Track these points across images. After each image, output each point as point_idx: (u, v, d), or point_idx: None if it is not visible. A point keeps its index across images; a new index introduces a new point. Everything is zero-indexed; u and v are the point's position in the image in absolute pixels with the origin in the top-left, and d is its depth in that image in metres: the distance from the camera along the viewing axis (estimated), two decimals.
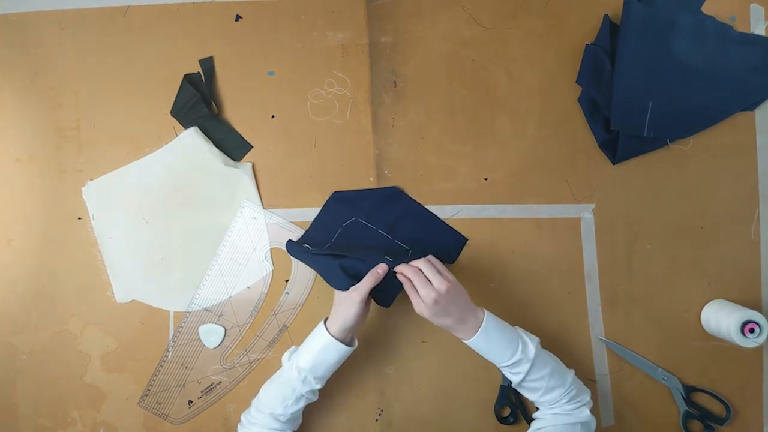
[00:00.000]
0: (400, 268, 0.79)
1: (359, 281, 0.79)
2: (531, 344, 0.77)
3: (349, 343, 0.81)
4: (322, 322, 0.81)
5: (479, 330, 0.76)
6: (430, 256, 0.80)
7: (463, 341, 0.78)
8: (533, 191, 0.92)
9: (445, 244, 0.91)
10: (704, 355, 0.91)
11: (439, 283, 0.75)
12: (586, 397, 0.80)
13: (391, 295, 0.84)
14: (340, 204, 0.91)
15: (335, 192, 0.92)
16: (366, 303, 0.79)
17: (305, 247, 0.88)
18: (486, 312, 0.78)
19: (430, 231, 0.91)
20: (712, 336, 0.90)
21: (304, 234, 0.91)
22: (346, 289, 0.80)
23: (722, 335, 0.86)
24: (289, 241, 0.89)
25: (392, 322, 0.91)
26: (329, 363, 0.80)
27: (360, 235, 0.91)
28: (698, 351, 0.91)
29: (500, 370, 0.80)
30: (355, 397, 0.91)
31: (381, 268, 0.80)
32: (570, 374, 0.80)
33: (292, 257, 0.90)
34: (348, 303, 0.79)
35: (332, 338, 0.79)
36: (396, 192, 0.91)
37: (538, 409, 0.82)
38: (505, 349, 0.77)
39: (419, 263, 0.78)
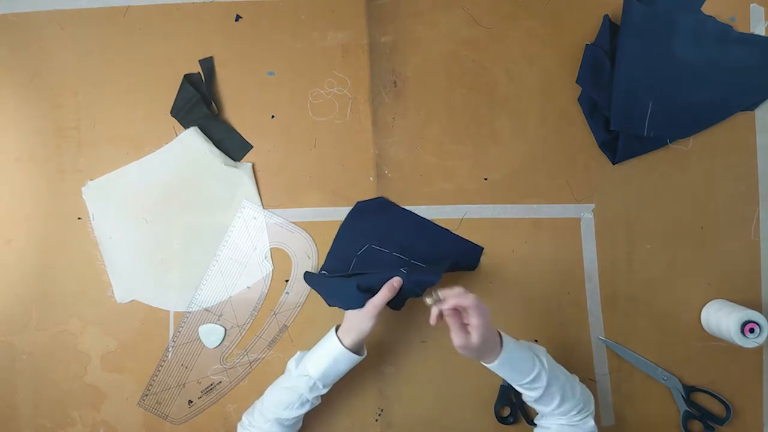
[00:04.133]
0: (443, 307, 0.73)
1: (373, 295, 0.79)
2: (543, 356, 0.77)
3: (359, 352, 0.81)
4: (333, 331, 0.81)
5: (501, 354, 0.74)
6: (470, 295, 0.72)
7: (486, 365, 0.76)
8: (533, 191, 0.92)
9: (461, 256, 0.90)
10: (704, 355, 0.91)
11: (474, 334, 0.71)
12: (591, 405, 0.80)
13: (403, 300, 0.84)
14: (351, 233, 0.91)
15: (357, 203, 0.91)
16: (379, 315, 0.79)
17: (323, 273, 0.89)
18: (503, 335, 0.76)
19: (444, 245, 0.91)
20: (712, 336, 0.90)
21: (322, 267, 0.91)
22: (362, 306, 0.78)
23: (722, 335, 0.86)
24: (307, 273, 0.89)
25: (392, 322, 0.91)
26: (340, 371, 0.80)
27: (375, 260, 0.90)
28: (698, 351, 0.91)
29: (518, 388, 0.78)
30: (355, 397, 0.91)
31: (396, 282, 0.79)
32: (577, 384, 0.79)
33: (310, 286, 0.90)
34: (363, 317, 0.78)
35: (346, 350, 0.79)
36: (405, 212, 0.91)
37: (538, 413, 0.81)
38: (525, 366, 0.75)
39: (468, 300, 0.71)
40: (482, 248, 0.91)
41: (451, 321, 0.73)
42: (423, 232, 0.91)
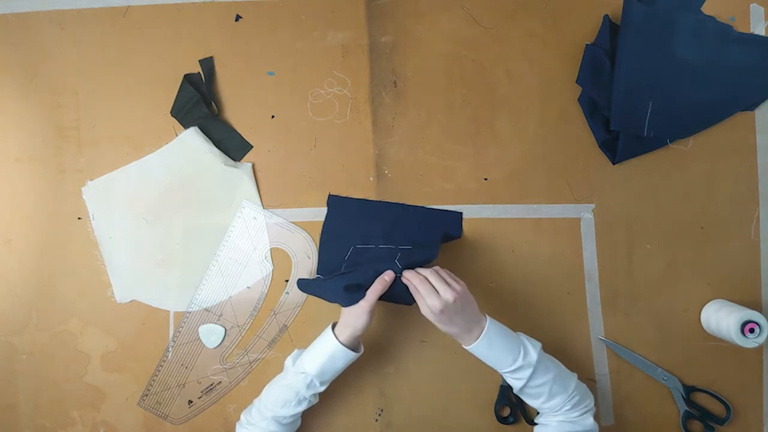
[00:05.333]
0: (408, 275, 0.79)
1: (362, 291, 0.80)
2: (533, 350, 0.77)
3: (355, 349, 0.82)
4: (330, 328, 0.82)
5: (480, 336, 0.76)
6: (437, 267, 0.80)
7: (464, 347, 0.78)
8: (533, 191, 0.92)
9: (444, 227, 0.91)
10: (704, 355, 0.91)
11: (446, 293, 0.75)
12: (590, 402, 0.80)
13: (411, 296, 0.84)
14: (332, 241, 0.91)
15: (329, 195, 0.91)
16: (373, 310, 0.80)
17: (318, 278, 0.89)
18: (488, 318, 0.78)
19: (425, 222, 0.91)
20: (712, 336, 0.90)
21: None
22: (356, 303, 0.80)
23: (722, 335, 0.86)
24: (300, 280, 0.89)
25: (392, 322, 0.91)
26: (336, 368, 0.81)
27: (364, 258, 0.90)
28: (698, 351, 0.91)
29: (501, 375, 0.80)
30: (355, 397, 0.91)
31: (388, 275, 0.80)
32: (573, 380, 0.80)
33: (304, 292, 0.91)
34: (357, 313, 0.79)
35: (342, 346, 0.79)
36: (376, 203, 0.91)
37: (539, 413, 0.82)
38: (507, 356, 0.77)
39: (427, 272, 0.78)
40: (461, 213, 0.91)
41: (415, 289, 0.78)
42: (399, 215, 0.91)
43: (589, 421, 0.78)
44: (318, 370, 0.79)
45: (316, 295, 0.88)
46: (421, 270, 0.80)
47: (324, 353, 0.79)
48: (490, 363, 0.78)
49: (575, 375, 0.81)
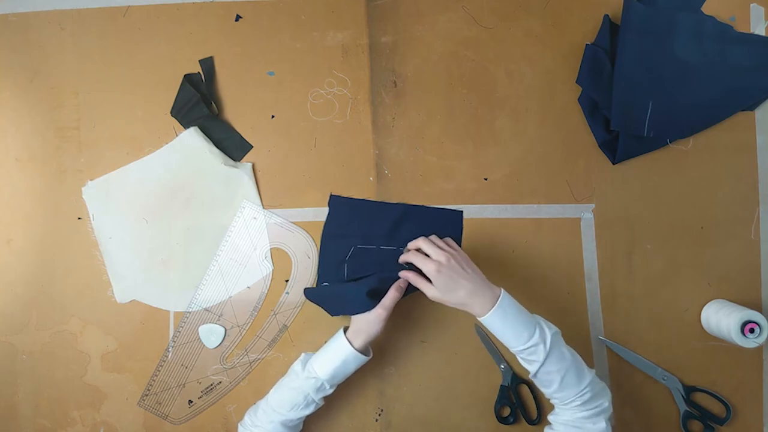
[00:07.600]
0: (403, 257, 0.80)
1: (380, 297, 0.80)
2: (548, 332, 0.74)
3: (366, 353, 0.82)
4: (342, 334, 0.81)
5: (495, 305, 0.74)
6: (432, 236, 0.80)
7: (479, 318, 0.75)
8: (533, 191, 0.92)
9: (444, 226, 0.91)
10: (704, 355, 0.91)
11: (438, 254, 0.75)
12: (604, 402, 0.75)
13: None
14: (333, 241, 0.91)
15: (331, 196, 0.91)
16: (388, 317, 0.80)
17: (324, 285, 0.90)
18: (503, 290, 0.76)
19: (426, 221, 0.91)
20: (712, 336, 0.90)
21: (318, 281, 0.91)
22: (370, 310, 0.80)
23: (722, 335, 0.86)
24: (306, 289, 0.90)
25: (392, 322, 0.91)
26: (348, 372, 0.81)
27: (366, 260, 0.90)
28: (698, 351, 0.91)
29: (516, 355, 0.77)
30: (355, 397, 0.91)
31: (403, 282, 0.80)
32: (588, 376, 0.75)
33: (310, 301, 0.90)
34: (374, 321, 0.79)
35: (356, 352, 0.80)
36: (376, 203, 0.91)
37: (551, 412, 0.79)
38: (522, 331, 0.73)
39: (418, 242, 0.79)
40: (461, 211, 0.91)
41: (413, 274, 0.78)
42: (400, 215, 0.91)
43: (600, 425, 0.73)
44: (330, 374, 0.79)
45: (322, 305, 0.88)
46: (413, 241, 0.80)
47: (337, 358, 0.80)
48: (503, 338, 0.75)
49: (593, 371, 0.76)
